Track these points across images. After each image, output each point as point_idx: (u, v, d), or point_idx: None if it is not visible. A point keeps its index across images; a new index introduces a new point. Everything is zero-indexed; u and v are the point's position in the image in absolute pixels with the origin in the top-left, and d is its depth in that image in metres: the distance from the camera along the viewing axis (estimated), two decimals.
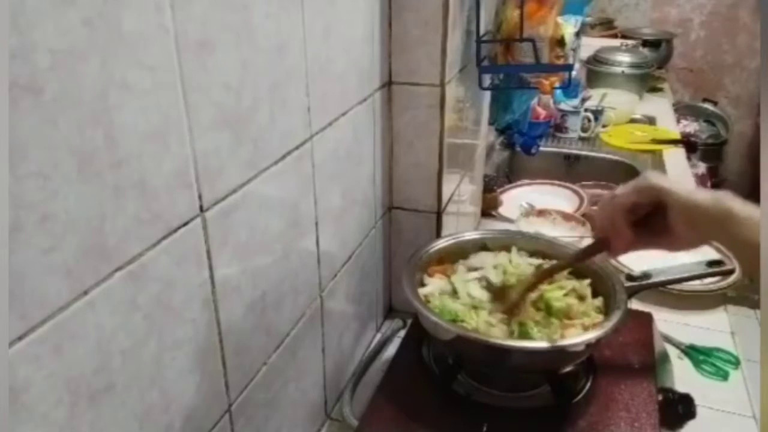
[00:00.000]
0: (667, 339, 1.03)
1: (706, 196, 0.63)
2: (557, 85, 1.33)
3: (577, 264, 0.82)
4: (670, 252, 0.70)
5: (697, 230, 0.65)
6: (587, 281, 0.83)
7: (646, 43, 2.72)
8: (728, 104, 3.23)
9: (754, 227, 0.58)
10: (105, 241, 0.44)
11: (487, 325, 0.76)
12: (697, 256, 0.85)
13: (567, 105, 1.91)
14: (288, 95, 0.66)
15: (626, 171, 1.75)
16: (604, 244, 0.74)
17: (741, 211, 0.59)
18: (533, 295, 0.79)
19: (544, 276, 0.80)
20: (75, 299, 0.42)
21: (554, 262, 0.84)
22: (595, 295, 0.82)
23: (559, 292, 0.80)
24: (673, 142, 1.90)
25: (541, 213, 1.35)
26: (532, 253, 0.90)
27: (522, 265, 0.86)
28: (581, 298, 0.81)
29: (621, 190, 0.69)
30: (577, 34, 1.22)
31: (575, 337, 0.72)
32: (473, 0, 1.02)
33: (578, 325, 0.76)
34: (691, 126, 2.76)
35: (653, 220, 0.68)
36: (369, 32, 0.86)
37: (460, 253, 0.90)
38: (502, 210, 1.49)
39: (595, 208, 0.75)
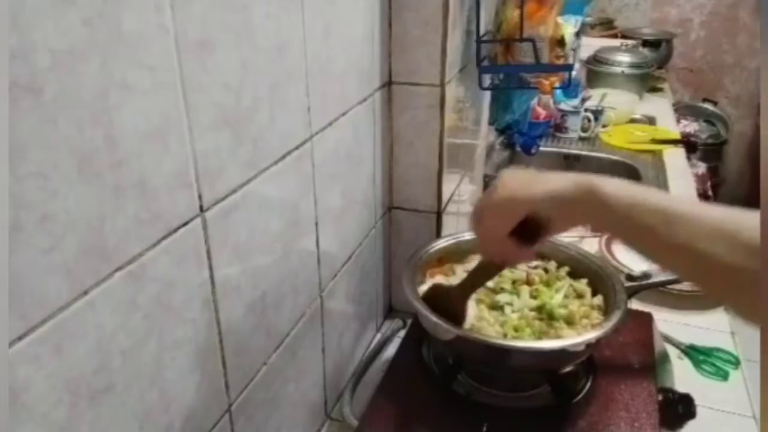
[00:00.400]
0: (667, 339, 1.03)
1: (564, 182, 0.58)
2: (557, 85, 1.34)
3: (476, 289, 0.77)
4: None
5: (564, 219, 0.61)
6: (584, 280, 0.83)
7: (646, 43, 2.72)
8: (728, 104, 3.24)
9: (628, 210, 0.53)
10: (105, 241, 0.44)
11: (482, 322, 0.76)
12: None
13: (567, 105, 1.90)
14: (288, 95, 0.66)
15: (626, 171, 1.75)
16: (498, 266, 0.74)
17: (600, 180, 0.55)
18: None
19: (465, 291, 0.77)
20: (75, 299, 0.42)
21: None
22: (594, 294, 0.82)
23: (560, 296, 0.80)
24: (673, 142, 1.90)
25: None
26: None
27: (516, 270, 0.86)
28: (580, 296, 0.81)
29: (490, 216, 0.64)
30: (577, 34, 1.22)
31: (575, 337, 0.72)
32: (473, 0, 1.02)
33: (579, 328, 0.76)
34: (691, 126, 2.76)
35: (530, 225, 0.62)
36: (369, 32, 0.86)
37: (459, 253, 0.90)
38: None
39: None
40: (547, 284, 0.83)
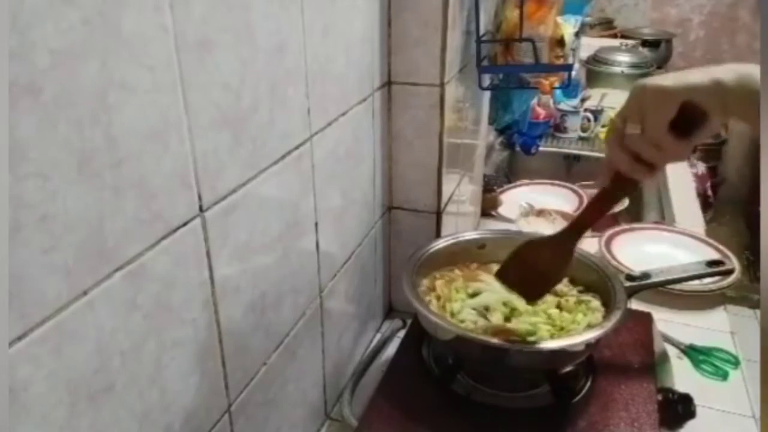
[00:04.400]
0: (667, 339, 1.03)
1: (724, 69, 0.55)
2: (557, 85, 1.34)
3: (612, 205, 0.69)
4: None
5: (726, 108, 0.58)
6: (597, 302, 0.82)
7: (645, 43, 2.72)
8: None
9: None
10: (104, 241, 0.44)
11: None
12: (696, 256, 0.85)
13: (567, 105, 1.91)
14: (287, 95, 0.66)
15: None
16: (635, 183, 0.64)
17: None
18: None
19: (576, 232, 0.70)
20: (75, 299, 0.42)
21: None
22: (594, 294, 0.82)
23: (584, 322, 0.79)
24: None
25: (541, 213, 1.35)
26: None
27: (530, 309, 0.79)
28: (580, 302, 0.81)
29: (647, 108, 0.58)
30: (577, 34, 1.22)
31: (575, 337, 0.72)
32: (473, 0, 1.02)
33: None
34: None
35: (682, 121, 0.59)
36: (368, 32, 0.86)
37: (462, 254, 0.90)
38: (502, 210, 1.49)
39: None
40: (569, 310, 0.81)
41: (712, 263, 0.88)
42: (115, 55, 0.42)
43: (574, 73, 1.64)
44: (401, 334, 1.04)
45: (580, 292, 0.84)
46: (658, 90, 0.58)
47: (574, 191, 1.55)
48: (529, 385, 0.79)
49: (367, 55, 0.87)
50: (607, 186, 0.66)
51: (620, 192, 0.66)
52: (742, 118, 0.58)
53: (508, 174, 1.81)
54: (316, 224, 0.78)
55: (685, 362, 1.00)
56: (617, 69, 2.26)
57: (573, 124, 1.90)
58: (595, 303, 0.81)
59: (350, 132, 0.85)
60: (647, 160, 0.61)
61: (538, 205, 1.41)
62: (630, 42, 2.62)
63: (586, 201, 1.47)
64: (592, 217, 0.69)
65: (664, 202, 1.55)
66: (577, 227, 0.70)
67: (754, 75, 0.54)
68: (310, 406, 0.86)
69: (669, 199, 1.52)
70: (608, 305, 0.78)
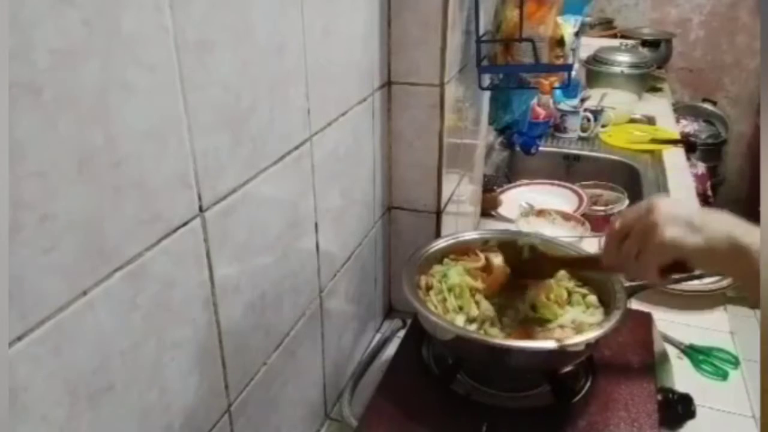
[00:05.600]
0: (667, 339, 1.03)
1: (720, 236, 0.61)
2: (557, 85, 1.34)
3: (591, 270, 0.83)
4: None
5: (713, 268, 0.67)
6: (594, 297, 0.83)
7: (645, 43, 2.72)
8: (727, 104, 3.24)
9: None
10: (104, 241, 0.44)
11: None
12: None
13: (566, 105, 1.91)
14: (287, 95, 0.66)
15: (626, 171, 1.75)
16: (617, 267, 0.73)
17: (754, 245, 0.59)
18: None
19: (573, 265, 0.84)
20: (74, 299, 0.42)
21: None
22: (594, 294, 0.82)
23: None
24: (673, 142, 1.90)
25: (541, 213, 1.35)
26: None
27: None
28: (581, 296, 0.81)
29: (643, 250, 0.65)
30: (577, 34, 1.22)
31: (575, 337, 0.72)
32: (472, 0, 1.02)
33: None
34: (690, 126, 2.77)
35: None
36: (368, 32, 0.86)
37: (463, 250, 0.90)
38: (502, 210, 1.49)
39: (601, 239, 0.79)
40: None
41: None
42: (115, 55, 0.42)
43: (573, 73, 1.64)
44: (401, 334, 1.04)
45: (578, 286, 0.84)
46: (661, 241, 0.64)
47: (574, 191, 1.55)
48: (529, 385, 0.79)
49: (367, 55, 0.87)
50: (598, 264, 0.75)
51: (600, 270, 0.78)
52: (730, 275, 0.68)
53: (508, 174, 1.81)
54: (316, 224, 0.78)
55: (685, 362, 1.01)
56: (617, 69, 2.26)
57: (573, 124, 1.90)
58: (592, 297, 0.81)
59: (350, 132, 0.85)
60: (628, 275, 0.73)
61: (538, 205, 1.41)
62: (630, 42, 2.62)
63: (586, 201, 1.47)
64: (575, 268, 0.85)
65: None
66: (564, 264, 0.84)
67: (745, 238, 0.60)
68: (310, 406, 0.86)
69: None
70: (608, 305, 0.78)
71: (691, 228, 0.63)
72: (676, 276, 0.68)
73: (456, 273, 0.84)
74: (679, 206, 0.65)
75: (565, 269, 0.84)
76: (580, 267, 0.85)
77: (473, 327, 0.77)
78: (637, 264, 0.66)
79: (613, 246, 0.69)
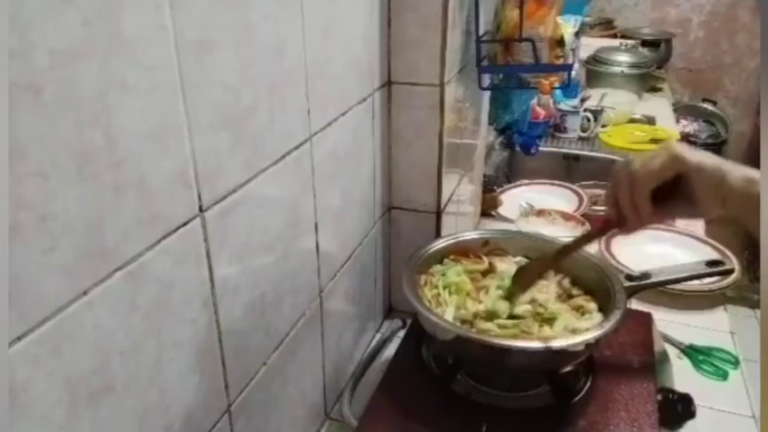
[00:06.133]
0: (667, 339, 1.03)
1: (737, 177, 0.60)
2: (557, 85, 1.34)
3: (592, 241, 0.82)
4: (685, 220, 0.69)
5: (726, 208, 0.62)
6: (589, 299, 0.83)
7: (645, 43, 2.72)
8: (727, 104, 3.24)
9: None
10: (104, 241, 0.44)
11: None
12: (696, 256, 0.85)
13: (566, 105, 1.91)
14: (287, 95, 0.66)
15: None
16: (618, 221, 0.71)
17: None
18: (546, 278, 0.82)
19: (562, 255, 0.81)
20: (74, 299, 0.42)
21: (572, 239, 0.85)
22: (594, 294, 0.82)
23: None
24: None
25: (541, 213, 1.35)
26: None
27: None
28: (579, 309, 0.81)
29: (641, 165, 0.65)
30: (577, 34, 1.22)
31: (575, 337, 0.72)
32: (472, 0, 1.02)
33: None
34: (690, 126, 2.77)
35: (672, 193, 0.66)
36: (368, 32, 0.86)
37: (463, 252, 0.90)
38: (502, 210, 1.49)
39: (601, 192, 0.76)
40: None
41: (711, 263, 0.88)
42: (115, 55, 0.42)
43: (573, 73, 1.64)
44: (401, 334, 1.04)
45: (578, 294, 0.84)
46: (671, 155, 0.63)
47: (574, 191, 1.55)
48: (528, 385, 0.79)
49: (367, 55, 0.87)
50: (594, 229, 0.78)
51: (612, 226, 0.74)
52: (741, 217, 0.62)
53: (508, 174, 1.81)
54: (316, 224, 0.78)
55: (685, 362, 1.00)
56: (617, 69, 2.26)
57: (573, 124, 1.90)
58: (591, 305, 0.81)
59: (350, 132, 0.84)
60: (624, 215, 0.69)
61: (538, 205, 1.41)
62: (630, 42, 2.62)
63: (586, 201, 1.47)
64: (578, 247, 0.81)
65: None
66: (565, 252, 0.81)
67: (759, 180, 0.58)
68: (310, 406, 0.86)
69: None
70: (608, 305, 0.78)
71: (701, 153, 0.63)
72: (671, 210, 0.67)
73: (454, 273, 0.84)
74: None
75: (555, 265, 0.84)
76: (574, 250, 0.82)
77: (464, 323, 0.77)
78: (632, 204, 0.66)
79: (610, 197, 0.69)
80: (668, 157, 0.64)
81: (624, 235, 0.74)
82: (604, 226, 0.76)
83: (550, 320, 0.77)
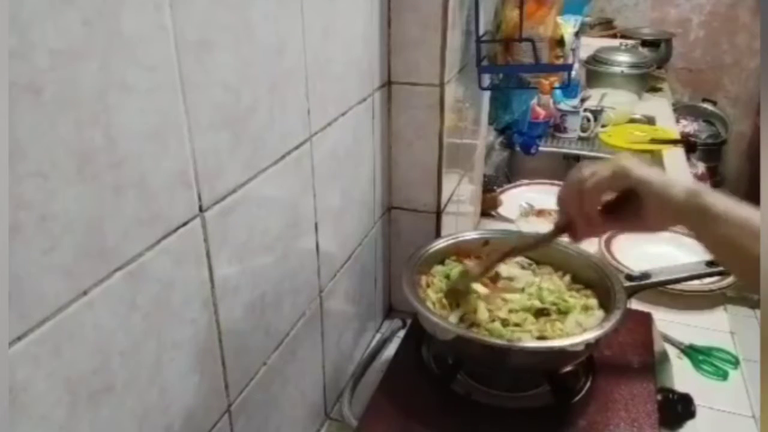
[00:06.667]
0: (667, 339, 1.03)
1: (680, 190, 0.61)
2: (557, 85, 1.34)
3: (539, 247, 0.82)
4: (635, 233, 0.71)
5: (670, 222, 0.65)
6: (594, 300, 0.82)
7: (645, 43, 2.72)
8: (727, 104, 3.24)
9: (729, 223, 0.57)
10: (104, 241, 0.44)
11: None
12: (696, 256, 0.85)
13: (566, 105, 1.91)
14: (287, 95, 0.66)
15: None
16: (568, 227, 0.73)
17: (715, 207, 0.59)
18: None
19: (498, 259, 0.81)
20: (74, 299, 0.42)
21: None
22: (594, 294, 0.82)
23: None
24: (673, 142, 1.90)
25: (541, 213, 1.35)
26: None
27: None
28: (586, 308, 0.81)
29: (590, 174, 0.66)
30: (577, 34, 1.22)
31: (575, 337, 0.72)
32: (472, 0, 1.02)
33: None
34: (690, 126, 2.77)
35: (622, 205, 0.67)
36: (368, 32, 0.86)
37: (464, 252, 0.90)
38: (502, 210, 1.49)
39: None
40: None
41: (712, 263, 0.88)
42: (115, 55, 0.42)
43: (573, 73, 1.64)
44: (401, 334, 1.04)
45: (578, 290, 0.84)
46: (618, 168, 0.65)
47: None
48: (529, 385, 0.79)
49: (367, 55, 0.87)
50: (549, 232, 0.76)
51: (561, 232, 0.75)
52: (688, 229, 0.63)
53: (508, 174, 1.81)
54: (316, 224, 0.78)
55: (685, 362, 1.00)
56: (617, 69, 2.26)
57: (573, 124, 1.90)
58: (592, 301, 0.81)
59: (350, 132, 0.84)
60: (574, 222, 0.71)
61: (538, 205, 1.41)
62: (630, 42, 2.62)
63: None
64: (527, 250, 0.84)
65: None
66: (511, 254, 0.82)
67: (706, 197, 0.60)
68: (310, 406, 0.86)
69: None
70: (608, 305, 0.78)
71: (649, 168, 0.64)
72: (621, 221, 0.68)
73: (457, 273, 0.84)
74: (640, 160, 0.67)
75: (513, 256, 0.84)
76: (533, 247, 0.84)
77: (467, 325, 0.77)
78: (582, 213, 0.68)
79: (568, 198, 0.70)
80: (615, 170, 0.65)
81: (575, 242, 0.75)
82: (555, 232, 0.75)
83: (564, 313, 0.77)
